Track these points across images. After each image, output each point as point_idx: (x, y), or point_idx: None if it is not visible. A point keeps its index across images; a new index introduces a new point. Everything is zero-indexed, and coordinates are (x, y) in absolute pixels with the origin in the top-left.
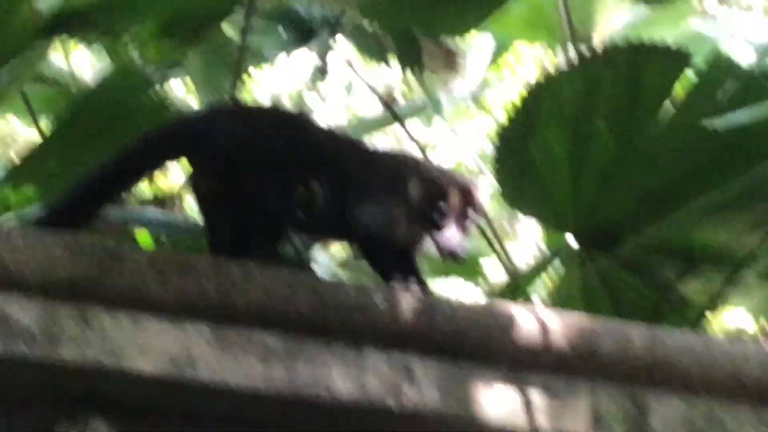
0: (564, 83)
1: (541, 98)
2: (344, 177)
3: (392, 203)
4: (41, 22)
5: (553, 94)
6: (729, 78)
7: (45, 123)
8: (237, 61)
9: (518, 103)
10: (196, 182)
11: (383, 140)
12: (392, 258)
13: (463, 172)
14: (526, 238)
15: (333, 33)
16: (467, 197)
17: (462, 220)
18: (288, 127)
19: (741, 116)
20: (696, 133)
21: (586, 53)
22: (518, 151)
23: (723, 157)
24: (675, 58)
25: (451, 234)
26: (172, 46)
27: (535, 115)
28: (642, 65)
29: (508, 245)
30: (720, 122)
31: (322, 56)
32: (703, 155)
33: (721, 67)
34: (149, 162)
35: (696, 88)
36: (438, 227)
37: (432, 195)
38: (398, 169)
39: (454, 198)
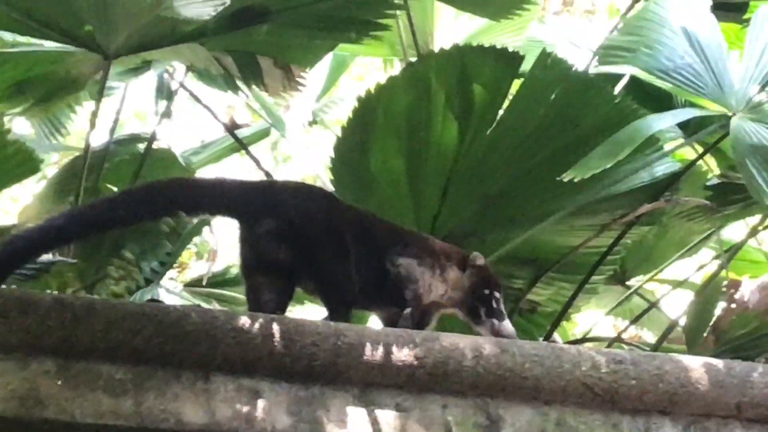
0: (395, 92)
1: (374, 109)
2: (379, 250)
3: (431, 275)
4: None
5: (386, 104)
6: (560, 79)
7: None
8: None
9: (351, 116)
10: (258, 246)
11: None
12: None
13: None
14: None
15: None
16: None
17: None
18: (330, 204)
19: (594, 161)
20: (527, 135)
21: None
22: (356, 165)
23: (557, 161)
24: (506, 60)
25: (507, 322)
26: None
27: (369, 128)
28: (472, 68)
29: None
30: (577, 171)
31: (163, 85)
32: (537, 159)
33: (550, 68)
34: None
35: (525, 90)
36: (501, 315)
37: (490, 283)
38: (434, 251)
39: (500, 286)
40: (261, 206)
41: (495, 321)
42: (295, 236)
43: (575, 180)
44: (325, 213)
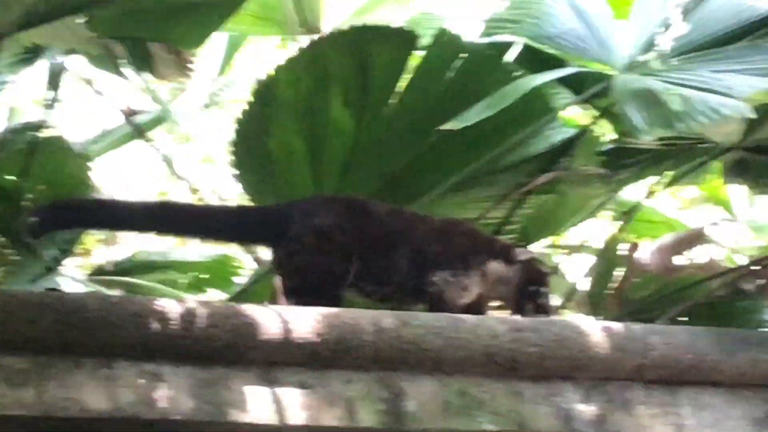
0: (293, 73)
1: (273, 91)
2: (420, 251)
3: (466, 276)
4: None
5: (285, 85)
6: (456, 55)
7: None
8: None
9: (251, 97)
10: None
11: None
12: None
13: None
14: None
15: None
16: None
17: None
18: (346, 218)
19: (475, 113)
20: (427, 112)
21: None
22: (256, 148)
23: (456, 136)
24: (401, 39)
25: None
26: None
27: (268, 110)
28: (369, 47)
29: None
30: (457, 122)
31: (54, 73)
32: (436, 135)
33: (447, 45)
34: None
35: (423, 67)
36: (544, 311)
37: (538, 278)
38: (474, 245)
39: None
40: (278, 232)
41: (542, 317)
42: (306, 257)
43: (468, 146)
44: (337, 231)
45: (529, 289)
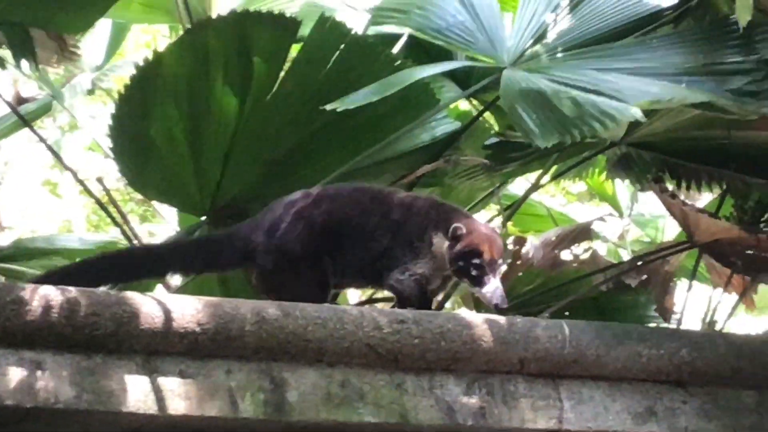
0: (174, 58)
1: (152, 77)
2: (373, 240)
3: (417, 266)
4: None
5: (165, 71)
6: (339, 43)
7: None
8: None
9: (130, 83)
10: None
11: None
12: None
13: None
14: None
15: None
16: (495, 248)
17: (494, 269)
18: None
19: (360, 97)
20: (308, 100)
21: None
22: (135, 134)
23: (338, 124)
24: (284, 25)
25: (494, 287)
26: None
27: (149, 96)
28: (249, 33)
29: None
30: (340, 103)
31: None
32: (318, 123)
33: (329, 32)
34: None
35: (304, 55)
36: (480, 283)
37: (466, 252)
38: (422, 225)
39: (487, 253)
40: (245, 254)
41: (477, 288)
42: (275, 273)
43: (350, 136)
44: (300, 242)
45: (459, 264)
